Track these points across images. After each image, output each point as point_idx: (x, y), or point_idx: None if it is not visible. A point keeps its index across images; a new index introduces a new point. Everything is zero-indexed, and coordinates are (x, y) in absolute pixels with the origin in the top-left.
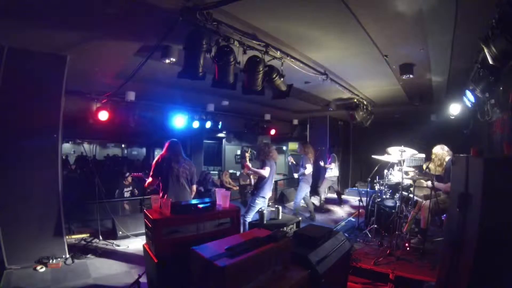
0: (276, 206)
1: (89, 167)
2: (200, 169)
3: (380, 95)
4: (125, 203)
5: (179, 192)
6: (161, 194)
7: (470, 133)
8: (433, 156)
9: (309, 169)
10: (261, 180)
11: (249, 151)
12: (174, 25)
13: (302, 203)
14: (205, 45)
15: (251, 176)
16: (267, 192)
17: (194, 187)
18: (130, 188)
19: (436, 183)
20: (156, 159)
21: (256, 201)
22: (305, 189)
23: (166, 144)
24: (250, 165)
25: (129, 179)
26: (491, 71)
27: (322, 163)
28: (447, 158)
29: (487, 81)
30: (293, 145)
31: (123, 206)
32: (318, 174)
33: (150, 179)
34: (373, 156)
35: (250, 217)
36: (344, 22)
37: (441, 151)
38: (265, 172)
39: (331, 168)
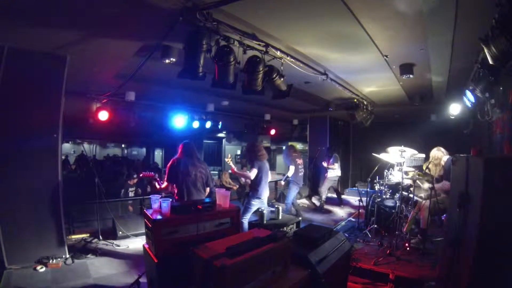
0: (276, 206)
1: (89, 167)
2: None
3: (380, 95)
4: (130, 205)
5: (197, 197)
6: (176, 198)
7: (470, 133)
8: (430, 159)
9: (291, 170)
10: (254, 181)
11: (229, 156)
12: (174, 25)
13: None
14: (205, 45)
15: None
16: (263, 192)
17: (208, 189)
18: (134, 188)
19: (436, 186)
20: (170, 162)
21: (252, 202)
22: (295, 190)
23: (180, 147)
24: (235, 168)
25: (135, 180)
26: (491, 71)
27: (325, 164)
28: (444, 158)
29: (487, 81)
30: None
31: (127, 207)
32: (319, 174)
33: (165, 184)
34: (374, 154)
35: (247, 218)
36: (344, 23)
37: (436, 152)
38: (252, 174)
39: (334, 169)
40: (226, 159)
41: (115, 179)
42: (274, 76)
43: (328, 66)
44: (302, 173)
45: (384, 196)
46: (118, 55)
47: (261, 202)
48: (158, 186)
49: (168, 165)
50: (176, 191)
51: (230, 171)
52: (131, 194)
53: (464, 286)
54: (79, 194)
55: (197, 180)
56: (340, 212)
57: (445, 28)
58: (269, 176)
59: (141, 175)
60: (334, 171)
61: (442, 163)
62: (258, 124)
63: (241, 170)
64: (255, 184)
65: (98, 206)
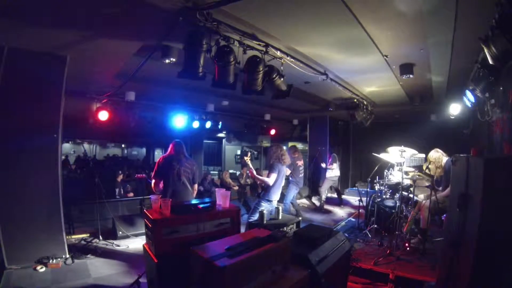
0: (276, 206)
1: (89, 167)
2: (200, 169)
3: (380, 95)
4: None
5: (181, 190)
6: (163, 193)
7: (470, 133)
8: (431, 160)
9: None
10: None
11: (249, 154)
12: (174, 25)
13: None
14: (205, 45)
15: (245, 178)
16: (273, 195)
17: (196, 186)
18: (119, 188)
19: (438, 195)
20: (158, 160)
21: (262, 203)
22: (294, 191)
23: (170, 145)
24: (254, 171)
25: (120, 177)
26: (491, 71)
27: (323, 165)
28: (444, 159)
29: (487, 81)
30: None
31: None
32: (319, 174)
33: (153, 181)
34: (374, 154)
35: (255, 218)
36: (344, 23)
37: (436, 154)
38: (270, 180)
39: (332, 169)
40: (246, 157)
41: (116, 178)
42: (274, 76)
43: (328, 66)
44: (302, 174)
45: (384, 196)
46: (118, 55)
47: (270, 205)
48: (152, 186)
49: (156, 162)
50: (162, 187)
51: (248, 172)
52: (117, 191)
53: (464, 286)
54: (79, 194)
55: (181, 175)
56: (340, 212)
57: (445, 28)
58: (284, 181)
59: (136, 176)
60: (332, 171)
61: (443, 164)
62: (258, 124)
63: (241, 170)
64: (269, 187)
65: (98, 206)
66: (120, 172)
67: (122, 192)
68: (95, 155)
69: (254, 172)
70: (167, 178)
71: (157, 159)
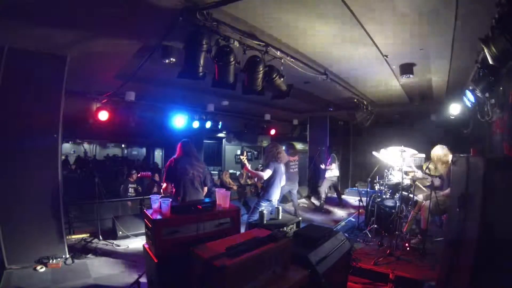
0: (276, 206)
1: (89, 167)
2: None
3: (380, 95)
4: (128, 202)
5: (194, 195)
6: (174, 197)
7: (470, 133)
8: (436, 157)
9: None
10: (267, 182)
11: (245, 153)
12: (174, 25)
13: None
14: (205, 45)
15: (245, 178)
16: (273, 195)
17: (206, 188)
18: (135, 185)
19: (442, 193)
20: (168, 162)
21: (261, 203)
22: (285, 188)
23: (179, 146)
24: (249, 166)
25: (134, 176)
26: (491, 71)
27: (322, 166)
28: (450, 156)
29: (487, 81)
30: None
31: (126, 205)
32: (318, 174)
33: (164, 185)
34: (374, 153)
35: (255, 218)
36: (345, 23)
37: (442, 151)
38: (265, 174)
39: (332, 169)
40: (242, 157)
41: (116, 178)
42: (274, 76)
43: (328, 66)
44: (295, 170)
45: (384, 196)
46: (118, 55)
47: (270, 205)
48: (162, 189)
49: (166, 165)
50: (174, 191)
51: (243, 169)
52: (131, 190)
53: (464, 286)
54: (79, 194)
55: (194, 179)
56: (340, 212)
57: (445, 28)
58: (284, 180)
59: (138, 175)
60: (332, 171)
61: (449, 160)
62: (258, 124)
63: (241, 170)
64: (267, 186)
65: (98, 206)
66: (133, 171)
67: (139, 190)
68: (95, 155)
69: (249, 167)
70: (180, 183)
71: (157, 159)
